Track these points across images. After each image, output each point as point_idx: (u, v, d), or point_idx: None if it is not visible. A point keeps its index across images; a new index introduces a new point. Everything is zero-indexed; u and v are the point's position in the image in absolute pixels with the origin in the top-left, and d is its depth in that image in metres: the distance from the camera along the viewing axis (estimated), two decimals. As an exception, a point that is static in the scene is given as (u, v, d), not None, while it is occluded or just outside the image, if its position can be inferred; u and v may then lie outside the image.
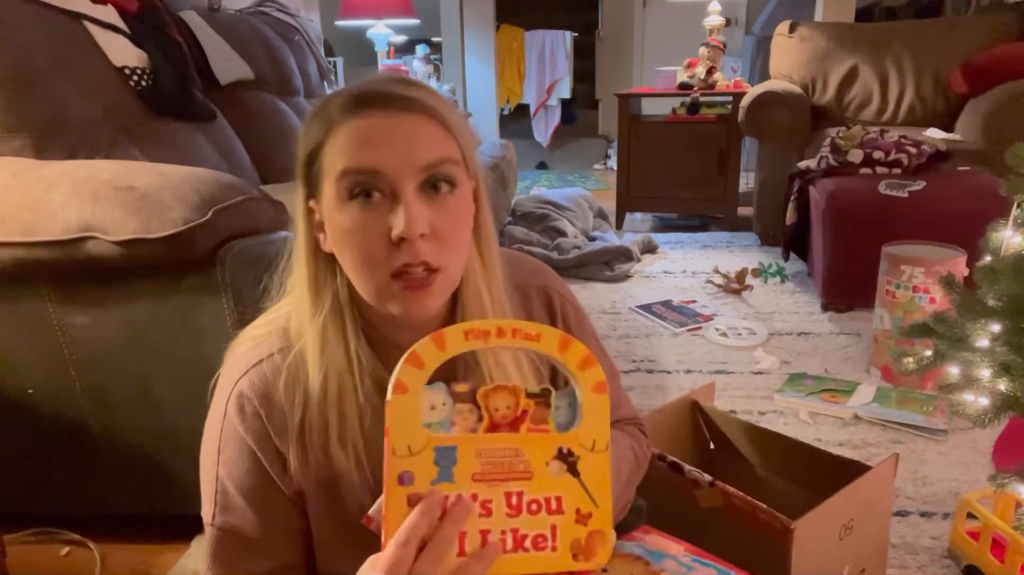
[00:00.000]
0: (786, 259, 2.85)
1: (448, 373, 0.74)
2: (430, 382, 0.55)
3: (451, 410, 0.55)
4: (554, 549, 0.56)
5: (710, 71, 3.62)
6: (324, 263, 0.69)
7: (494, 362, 0.72)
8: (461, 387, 0.55)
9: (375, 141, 0.61)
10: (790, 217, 2.70)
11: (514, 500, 0.55)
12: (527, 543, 0.56)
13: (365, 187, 0.62)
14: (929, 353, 1.19)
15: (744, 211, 3.62)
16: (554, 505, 0.56)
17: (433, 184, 0.63)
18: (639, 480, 0.88)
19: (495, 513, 0.55)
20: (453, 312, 0.72)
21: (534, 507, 0.56)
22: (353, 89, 0.63)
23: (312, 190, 0.66)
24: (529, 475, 0.56)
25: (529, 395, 0.56)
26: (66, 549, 1.43)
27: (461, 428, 0.55)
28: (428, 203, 0.63)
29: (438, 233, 0.63)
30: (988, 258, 1.15)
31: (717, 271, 2.92)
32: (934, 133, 2.87)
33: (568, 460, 0.56)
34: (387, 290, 0.64)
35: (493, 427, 0.55)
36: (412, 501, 0.54)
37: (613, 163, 4.68)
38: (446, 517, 0.53)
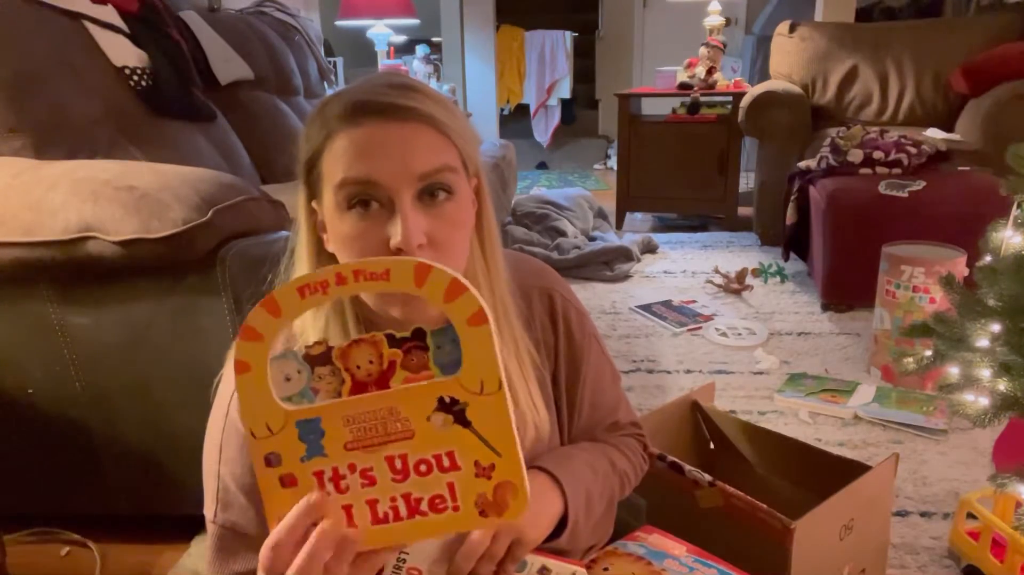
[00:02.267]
0: (786, 259, 2.85)
1: None
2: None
3: (309, 377, 0.50)
4: (456, 508, 0.51)
5: (710, 71, 3.62)
6: (327, 262, 0.69)
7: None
8: (314, 349, 0.50)
9: (371, 151, 0.61)
10: (790, 217, 2.70)
11: (398, 463, 0.50)
12: (423, 506, 0.51)
13: (363, 197, 0.62)
14: (929, 353, 1.19)
15: (744, 211, 3.62)
16: (446, 462, 0.50)
17: (431, 192, 0.63)
18: (624, 494, 0.87)
19: (380, 481, 0.50)
20: None
21: (423, 468, 0.50)
22: (351, 95, 0.63)
23: (314, 192, 0.67)
24: (410, 434, 0.50)
25: (394, 342, 0.50)
26: (66, 549, 1.43)
27: (325, 394, 0.50)
28: (426, 211, 0.63)
29: (436, 241, 0.63)
30: (988, 258, 1.15)
31: (717, 271, 2.92)
32: (934, 133, 2.87)
33: (453, 410, 0.49)
34: (388, 296, 0.64)
35: (359, 387, 0.50)
36: (286, 482, 0.50)
37: (613, 163, 4.68)
38: (310, 542, 0.50)
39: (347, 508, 0.51)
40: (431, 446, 0.50)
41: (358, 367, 0.50)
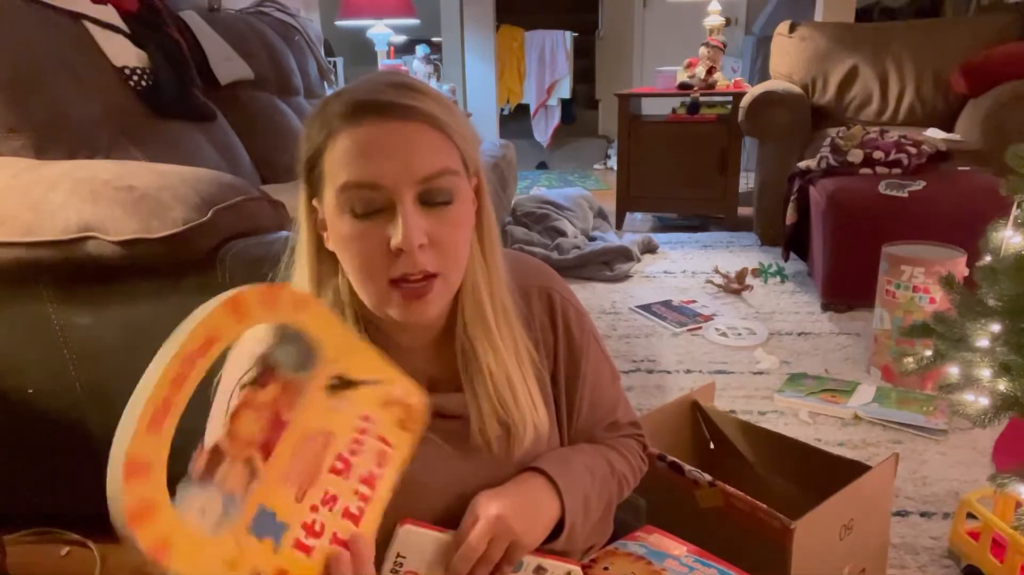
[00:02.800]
0: (786, 259, 2.85)
1: (450, 377, 0.74)
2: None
3: (216, 490, 0.47)
4: (392, 446, 0.57)
5: (710, 71, 3.62)
6: (327, 260, 0.69)
7: (493, 357, 0.72)
8: (202, 458, 0.48)
9: (373, 152, 0.61)
10: (790, 217, 2.70)
11: (339, 465, 0.53)
12: (375, 470, 0.55)
13: (364, 199, 0.62)
14: (929, 353, 1.19)
15: (744, 211, 3.62)
16: (365, 424, 0.55)
17: (431, 194, 0.63)
18: (623, 497, 0.87)
19: (339, 491, 0.53)
20: (454, 311, 0.72)
21: (355, 447, 0.54)
22: (353, 94, 0.63)
23: (315, 190, 0.67)
24: (331, 435, 0.52)
25: (252, 383, 0.51)
26: (66, 549, 1.43)
27: (240, 484, 0.48)
28: (427, 213, 0.63)
29: (437, 242, 0.64)
30: (988, 258, 1.15)
31: (717, 271, 2.92)
32: (934, 133, 2.87)
33: (341, 384, 0.53)
34: (386, 297, 0.65)
35: (266, 449, 0.49)
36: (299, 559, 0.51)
37: (613, 163, 4.68)
38: None
39: (335, 535, 0.52)
40: (347, 426, 0.53)
41: (249, 433, 0.49)
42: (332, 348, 0.52)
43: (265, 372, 0.51)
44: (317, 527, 0.51)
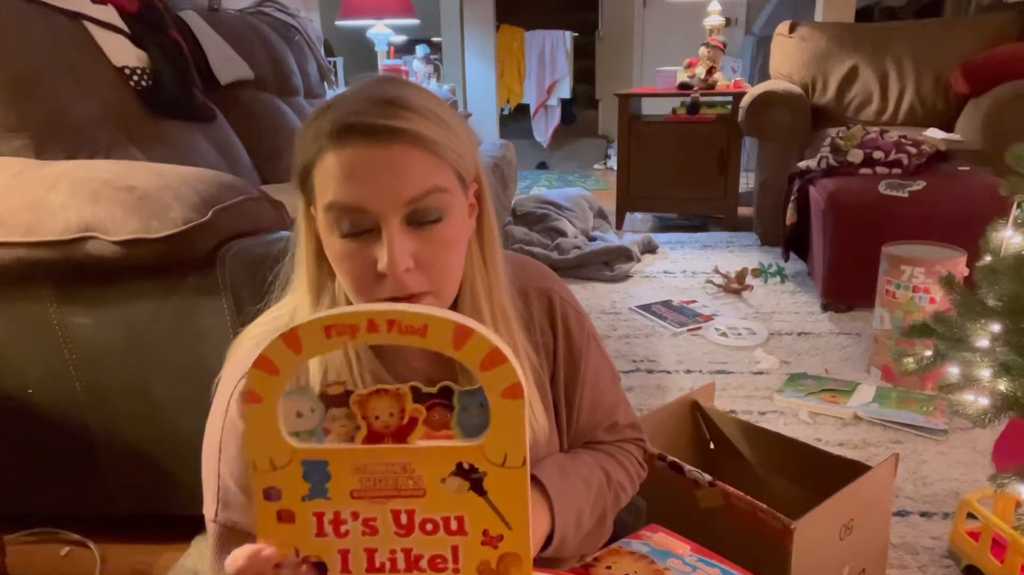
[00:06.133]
0: (786, 259, 2.85)
1: (449, 379, 0.74)
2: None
3: (322, 417, 0.48)
4: (456, 571, 0.50)
5: (710, 71, 3.62)
6: (325, 263, 0.69)
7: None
8: (333, 390, 0.48)
9: (357, 176, 0.61)
10: (790, 217, 2.70)
11: (403, 519, 0.49)
12: (423, 563, 0.50)
13: (350, 220, 0.62)
14: (929, 353, 1.19)
15: (744, 211, 3.62)
16: (454, 525, 0.49)
17: (420, 214, 0.63)
18: (620, 506, 0.87)
19: (382, 532, 0.49)
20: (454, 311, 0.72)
21: (429, 527, 0.49)
22: (339, 113, 0.62)
23: (310, 199, 0.66)
24: (421, 493, 0.48)
25: (419, 397, 0.48)
26: (66, 549, 1.43)
27: (337, 437, 0.48)
28: (415, 234, 0.63)
29: (424, 263, 0.63)
30: (988, 258, 1.15)
31: (717, 271, 2.92)
32: (934, 133, 2.87)
33: (471, 477, 0.48)
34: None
35: (374, 437, 0.48)
36: (283, 517, 0.49)
37: (613, 163, 4.68)
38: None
39: (344, 552, 0.49)
40: (441, 508, 0.48)
41: (376, 417, 0.48)
42: (498, 452, 0.47)
43: (440, 395, 0.48)
44: (342, 529, 0.49)
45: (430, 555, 0.49)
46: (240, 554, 0.50)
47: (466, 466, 0.47)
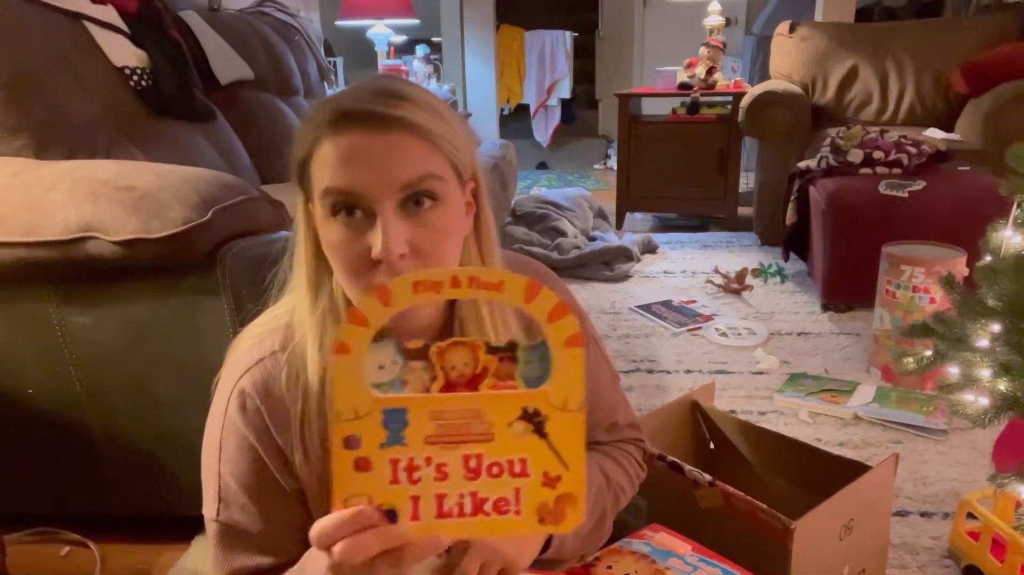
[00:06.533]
0: (786, 259, 2.85)
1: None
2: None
3: (402, 369, 0.51)
4: (517, 513, 0.53)
5: (710, 71, 3.62)
6: (324, 261, 0.69)
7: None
8: (414, 343, 0.51)
9: (352, 161, 0.61)
10: (790, 217, 2.70)
11: (472, 463, 0.52)
12: (487, 507, 0.52)
13: (346, 206, 0.62)
14: (929, 353, 1.19)
15: (744, 211, 3.62)
16: (518, 467, 0.52)
17: (415, 200, 0.63)
18: (619, 508, 0.87)
19: (451, 476, 0.52)
20: (451, 313, 0.72)
21: (495, 470, 0.52)
22: (337, 103, 0.63)
23: (308, 194, 0.67)
24: (490, 437, 0.52)
25: (491, 350, 0.51)
26: (66, 549, 1.43)
27: (414, 387, 0.51)
28: (410, 220, 0.63)
29: (420, 250, 0.63)
30: (988, 258, 1.15)
31: (717, 271, 2.92)
32: (934, 133, 2.87)
33: (534, 420, 0.52)
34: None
35: (449, 386, 0.51)
36: (360, 466, 0.51)
37: (613, 163, 4.68)
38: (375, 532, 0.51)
39: (415, 498, 0.52)
40: (507, 451, 0.52)
41: (452, 367, 0.51)
42: (559, 396, 0.52)
43: (507, 349, 0.52)
44: (416, 476, 0.52)
45: (495, 498, 0.52)
46: (325, 524, 0.52)
47: (530, 410, 0.51)
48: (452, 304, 0.71)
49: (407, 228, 0.63)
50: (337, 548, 0.52)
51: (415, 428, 0.51)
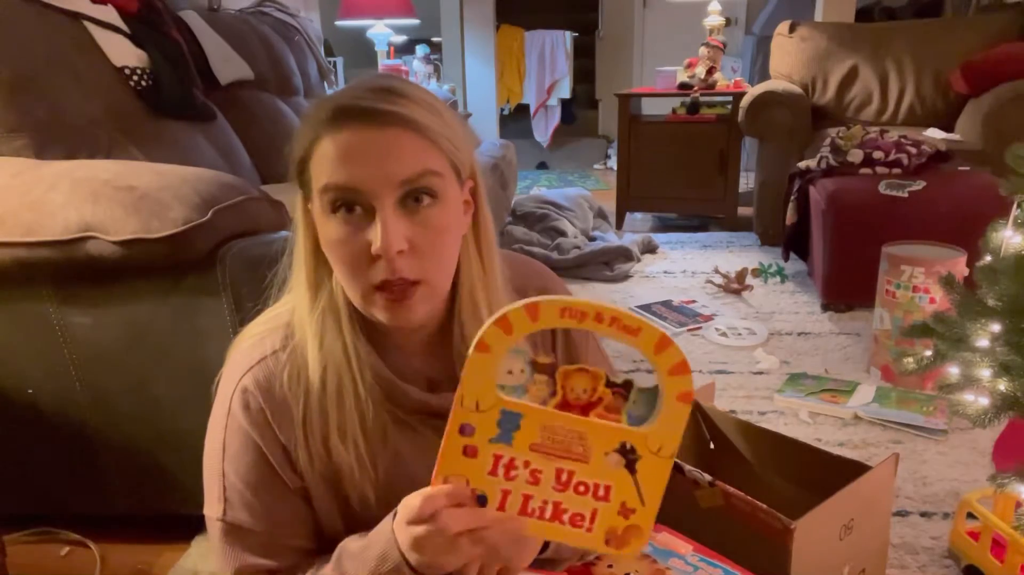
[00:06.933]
0: (786, 259, 2.85)
1: (449, 377, 0.75)
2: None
3: (528, 378, 0.55)
4: (589, 530, 0.58)
5: (710, 71, 3.62)
6: (323, 261, 0.69)
7: None
8: (544, 359, 0.55)
9: (352, 158, 0.62)
10: (790, 217, 2.70)
11: (564, 477, 0.56)
12: (564, 518, 0.57)
13: (345, 202, 0.63)
14: (929, 353, 1.19)
15: (744, 211, 3.62)
16: (601, 492, 0.57)
17: (414, 197, 0.63)
18: None
19: (542, 483, 0.56)
20: (451, 311, 0.72)
21: (581, 488, 0.57)
22: (336, 100, 0.63)
23: (307, 193, 0.67)
24: (586, 459, 0.56)
25: (609, 383, 0.55)
26: (66, 549, 1.43)
27: (533, 398, 0.55)
28: (408, 217, 0.63)
29: (418, 247, 0.64)
30: (988, 258, 1.15)
31: (717, 271, 2.92)
32: (934, 133, 2.87)
33: (629, 456, 0.56)
34: (371, 299, 0.66)
35: (564, 405, 0.55)
36: (468, 452, 0.56)
37: (613, 163, 4.68)
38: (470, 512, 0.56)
39: (505, 492, 0.57)
40: (597, 475, 0.56)
41: (572, 389, 0.55)
42: (657, 441, 0.56)
43: (622, 386, 0.56)
44: (512, 474, 0.56)
45: (572, 512, 0.57)
46: (425, 492, 0.57)
47: (628, 447, 0.56)
48: (452, 294, 0.71)
49: (406, 225, 0.63)
50: (435, 517, 0.56)
51: (524, 433, 0.55)
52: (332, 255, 0.66)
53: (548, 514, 0.57)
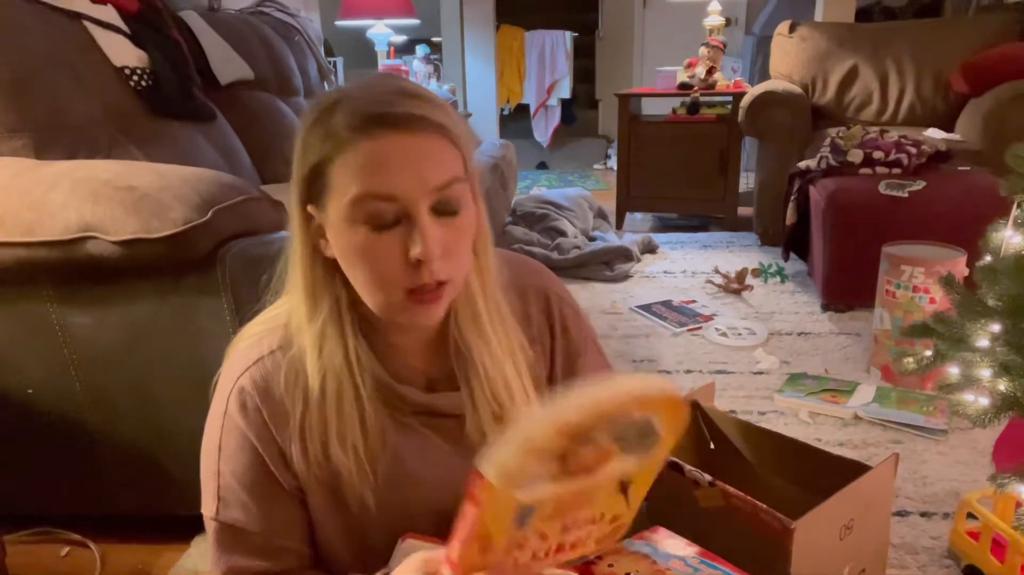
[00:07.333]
0: (786, 259, 2.85)
1: (447, 376, 0.75)
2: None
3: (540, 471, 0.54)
4: (586, 546, 0.59)
5: (710, 71, 3.62)
6: (323, 268, 0.69)
7: (488, 355, 0.72)
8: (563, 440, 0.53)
9: (389, 165, 0.61)
10: (790, 217, 2.70)
11: (569, 522, 0.57)
12: (567, 548, 0.58)
13: (379, 211, 0.62)
14: (929, 353, 1.19)
15: (744, 211, 3.62)
16: (598, 518, 0.58)
17: (444, 202, 0.64)
18: None
19: (550, 537, 0.57)
20: (448, 311, 0.73)
21: (583, 524, 0.58)
22: (361, 105, 0.62)
23: (313, 198, 0.66)
24: (589, 505, 0.56)
25: (618, 437, 0.55)
26: (66, 549, 1.43)
27: (541, 480, 0.53)
28: (440, 223, 0.64)
29: (449, 250, 0.64)
30: (988, 258, 1.15)
31: (717, 271, 2.92)
32: (934, 133, 2.87)
33: (625, 485, 0.57)
34: (399, 305, 0.65)
35: (572, 473, 0.54)
36: (484, 549, 0.55)
37: (613, 163, 4.68)
38: None
39: (516, 557, 0.56)
40: (597, 510, 0.57)
41: (579, 463, 0.53)
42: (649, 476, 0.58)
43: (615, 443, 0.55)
44: (524, 543, 0.56)
45: (572, 540, 0.58)
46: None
47: (626, 482, 0.57)
48: (449, 312, 0.71)
49: (440, 230, 0.63)
50: None
51: (539, 515, 0.54)
52: (355, 263, 0.65)
53: (552, 554, 0.58)
